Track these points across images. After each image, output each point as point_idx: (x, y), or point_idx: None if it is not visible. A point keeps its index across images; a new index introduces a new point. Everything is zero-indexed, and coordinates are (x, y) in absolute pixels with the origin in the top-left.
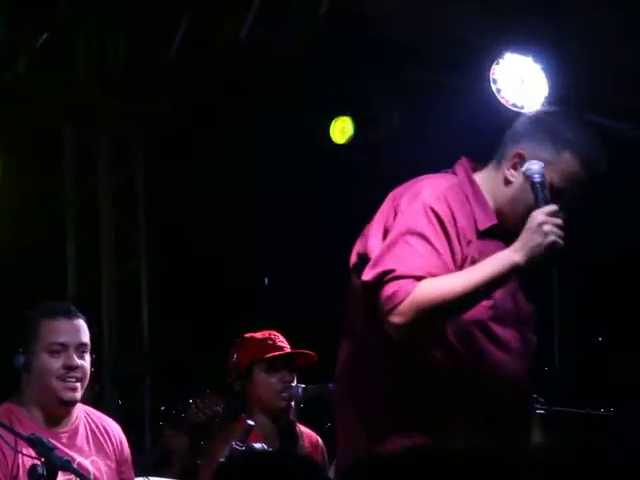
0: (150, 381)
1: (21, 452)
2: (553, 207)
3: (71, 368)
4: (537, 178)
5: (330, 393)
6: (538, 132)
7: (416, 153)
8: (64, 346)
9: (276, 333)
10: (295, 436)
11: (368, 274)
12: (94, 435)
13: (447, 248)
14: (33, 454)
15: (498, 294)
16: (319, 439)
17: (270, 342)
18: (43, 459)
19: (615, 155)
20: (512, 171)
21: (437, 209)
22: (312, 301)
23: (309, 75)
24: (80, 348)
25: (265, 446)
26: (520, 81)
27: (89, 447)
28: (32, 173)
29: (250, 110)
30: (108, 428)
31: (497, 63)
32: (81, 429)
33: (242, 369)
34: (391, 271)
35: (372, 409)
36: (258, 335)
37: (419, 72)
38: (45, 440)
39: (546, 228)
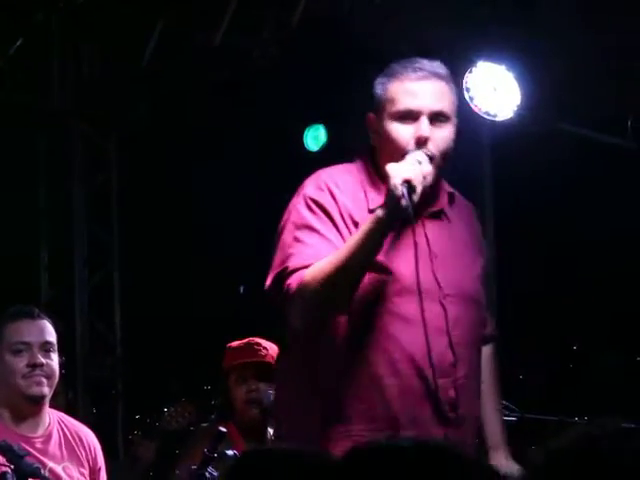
0: (122, 388)
1: None
2: (399, 163)
3: (35, 366)
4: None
5: None
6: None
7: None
8: (27, 345)
9: (258, 340)
10: (267, 442)
11: (266, 281)
12: (67, 441)
13: (334, 232)
14: (2, 461)
15: (404, 269)
16: None
17: (245, 350)
18: (12, 466)
19: (589, 162)
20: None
21: (317, 198)
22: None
23: (283, 82)
24: (44, 347)
25: (237, 453)
26: (493, 89)
27: (62, 453)
28: (5, 179)
29: (224, 117)
30: (82, 435)
31: (470, 71)
32: (55, 435)
33: (223, 377)
34: (284, 269)
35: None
36: (234, 344)
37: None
38: (15, 447)
39: (393, 182)
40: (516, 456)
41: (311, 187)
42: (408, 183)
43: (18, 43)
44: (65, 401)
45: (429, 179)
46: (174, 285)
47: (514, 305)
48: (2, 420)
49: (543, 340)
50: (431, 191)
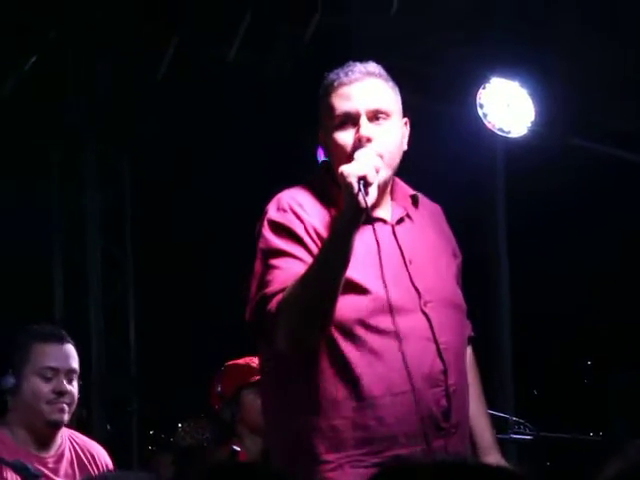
0: (137, 405)
1: (5, 479)
2: (350, 164)
3: (61, 393)
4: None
5: None
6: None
7: (401, 176)
8: (55, 371)
9: (254, 358)
10: None
11: (247, 313)
12: (79, 460)
13: (303, 251)
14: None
15: (377, 284)
16: None
17: (253, 366)
18: None
19: (602, 178)
20: None
21: (280, 220)
22: None
23: (296, 97)
24: (69, 374)
25: None
26: (506, 106)
27: (74, 471)
28: (19, 195)
29: (237, 132)
30: (94, 452)
31: (483, 88)
32: (67, 454)
33: (228, 396)
34: (262, 297)
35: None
36: (240, 361)
37: (404, 97)
38: (30, 466)
39: (348, 180)
40: (533, 475)
41: (273, 210)
42: (363, 179)
43: (33, 59)
44: (75, 418)
45: (384, 174)
46: (188, 301)
47: (528, 320)
48: (16, 440)
49: (557, 356)
50: (389, 193)
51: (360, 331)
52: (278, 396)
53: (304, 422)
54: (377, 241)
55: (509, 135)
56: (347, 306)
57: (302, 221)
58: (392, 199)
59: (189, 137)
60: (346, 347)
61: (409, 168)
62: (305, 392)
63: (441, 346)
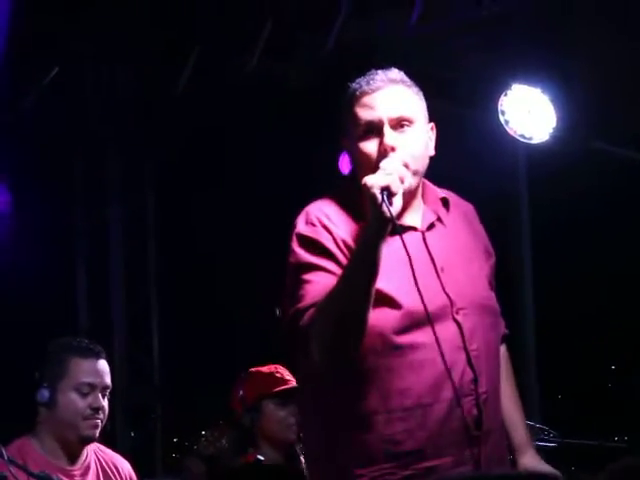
0: (161, 413)
1: None
2: (374, 175)
3: (97, 409)
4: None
5: None
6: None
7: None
8: (92, 387)
9: (281, 367)
10: (300, 467)
11: (282, 329)
12: (105, 473)
13: (333, 264)
14: None
15: (409, 297)
16: None
17: (277, 376)
18: None
19: (625, 182)
20: None
21: (309, 234)
22: None
23: (317, 107)
24: (104, 390)
25: None
26: (528, 112)
27: None
28: (43, 204)
29: (258, 142)
30: (118, 465)
31: (505, 94)
32: (92, 466)
33: (250, 404)
34: (295, 312)
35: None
36: (264, 369)
37: (426, 103)
38: (55, 478)
39: (371, 192)
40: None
41: (302, 224)
42: (387, 190)
43: (54, 71)
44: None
45: (410, 181)
46: (211, 310)
47: (552, 325)
48: (44, 451)
49: (581, 361)
50: (419, 199)
51: (391, 344)
52: (312, 410)
53: (335, 436)
54: (407, 251)
55: (531, 141)
56: (378, 319)
57: (331, 233)
58: (424, 203)
59: (211, 147)
60: (377, 360)
61: (430, 175)
62: (336, 406)
63: (472, 354)
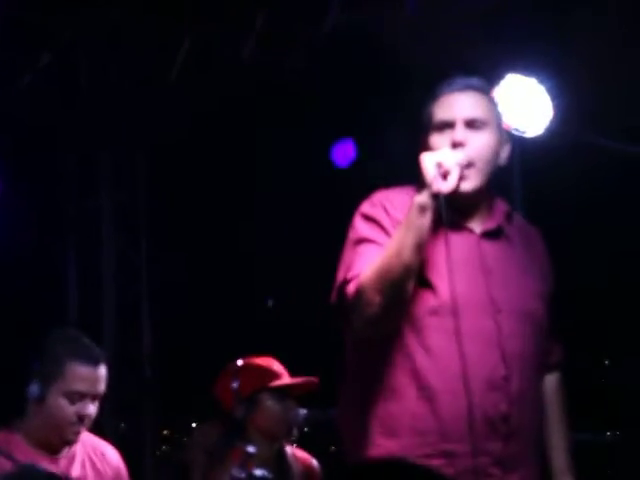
0: (151, 406)
1: None
2: (435, 152)
3: (84, 417)
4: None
5: (331, 418)
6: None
7: (412, 175)
8: (83, 395)
9: (274, 359)
10: (287, 460)
11: (331, 297)
12: (91, 461)
13: (387, 239)
14: None
15: (448, 289)
16: (314, 462)
17: (275, 369)
18: None
19: (620, 175)
20: None
21: (369, 212)
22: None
23: (312, 96)
24: (95, 398)
25: (266, 473)
26: (522, 103)
27: (86, 473)
28: (34, 196)
29: (252, 132)
30: (106, 454)
31: (499, 85)
32: (78, 455)
33: (244, 397)
34: (344, 281)
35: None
36: (260, 361)
37: (423, 93)
38: (42, 467)
39: (425, 165)
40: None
41: (366, 205)
42: (440, 165)
43: (45, 62)
44: None
45: (473, 177)
46: (202, 303)
47: None
48: (28, 442)
49: (574, 357)
50: (485, 207)
51: (425, 326)
52: (349, 378)
53: (364, 406)
54: (450, 246)
55: (525, 135)
56: (417, 299)
57: (390, 216)
58: (488, 213)
59: (203, 137)
60: (410, 339)
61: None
62: (369, 378)
63: (507, 353)
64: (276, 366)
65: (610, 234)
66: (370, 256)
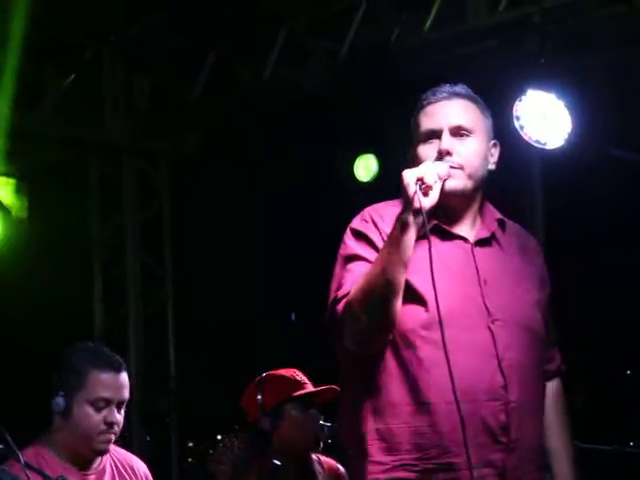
0: (176, 418)
1: None
2: (415, 168)
3: (112, 424)
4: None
5: None
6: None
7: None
8: (108, 402)
9: (297, 370)
10: (314, 469)
11: (325, 319)
12: (120, 475)
13: (376, 254)
14: None
15: (440, 301)
16: (340, 468)
17: (297, 379)
18: None
19: None
20: None
21: (360, 228)
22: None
23: (332, 112)
24: (121, 405)
25: None
26: (543, 117)
27: None
28: (59, 210)
29: (274, 148)
30: (134, 466)
31: (520, 100)
32: (108, 469)
33: (269, 408)
34: (334, 298)
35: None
36: (283, 372)
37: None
38: None
39: (406, 181)
40: None
41: (356, 220)
42: (420, 181)
43: (71, 77)
44: None
45: (463, 182)
46: (226, 315)
47: (565, 331)
48: (58, 457)
49: (597, 367)
50: (476, 213)
51: (419, 340)
52: (345, 396)
53: (363, 423)
54: (430, 251)
55: (546, 147)
56: (408, 314)
57: (380, 232)
58: (481, 220)
59: (226, 153)
60: (406, 353)
61: None
62: (366, 394)
63: (504, 362)
64: (299, 376)
65: (632, 247)
66: (359, 274)
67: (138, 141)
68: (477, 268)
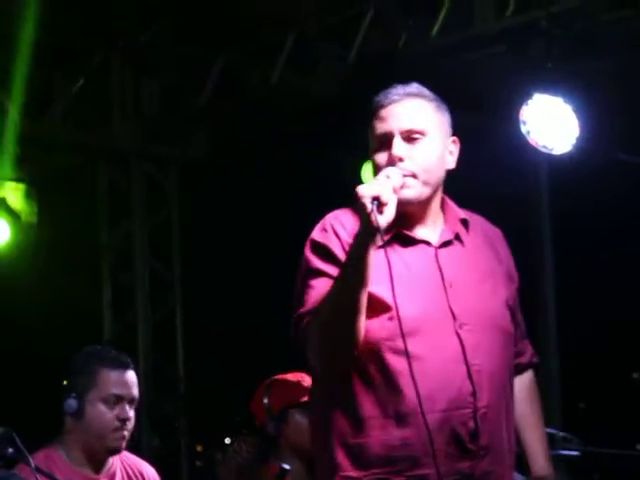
0: (186, 422)
1: None
2: (367, 183)
3: (124, 421)
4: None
5: None
6: None
7: (446, 193)
8: (120, 398)
9: (305, 375)
10: None
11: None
12: (130, 479)
13: (337, 269)
14: None
15: (403, 310)
16: None
17: (304, 385)
18: None
19: None
20: None
21: (320, 239)
22: None
23: (340, 117)
24: (132, 402)
25: None
26: (550, 122)
27: None
28: (68, 216)
29: (282, 152)
30: (144, 472)
31: (526, 104)
32: (118, 474)
33: (275, 412)
34: (297, 316)
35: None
36: (290, 377)
37: (448, 114)
38: None
39: (362, 201)
40: None
41: (317, 230)
42: (377, 200)
43: (80, 83)
44: None
45: (419, 191)
46: (235, 319)
47: (575, 335)
48: (69, 460)
49: (603, 370)
50: (437, 215)
51: (385, 352)
52: (315, 413)
53: (333, 438)
54: (388, 261)
55: (552, 152)
56: (374, 326)
57: (341, 241)
58: (444, 221)
59: (234, 156)
60: (372, 368)
61: (454, 178)
62: (335, 410)
63: (473, 368)
64: (306, 382)
65: (637, 250)
66: (321, 291)
67: (147, 146)
68: (442, 272)
